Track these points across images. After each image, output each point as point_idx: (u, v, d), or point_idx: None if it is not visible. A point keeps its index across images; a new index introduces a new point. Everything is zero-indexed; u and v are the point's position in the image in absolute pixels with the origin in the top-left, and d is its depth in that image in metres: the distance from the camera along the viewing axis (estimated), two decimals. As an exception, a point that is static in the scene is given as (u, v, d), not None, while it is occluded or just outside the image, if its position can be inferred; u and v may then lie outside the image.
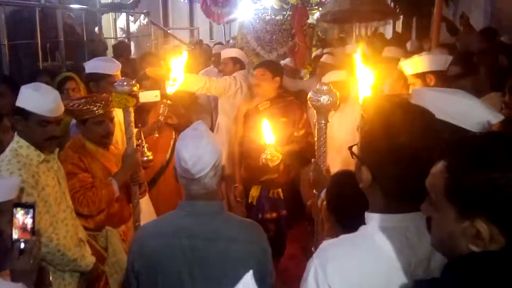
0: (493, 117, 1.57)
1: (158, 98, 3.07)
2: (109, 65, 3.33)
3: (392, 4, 9.39)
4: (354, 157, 1.26)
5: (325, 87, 2.18)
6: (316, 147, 2.25)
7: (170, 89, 3.15)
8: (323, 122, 2.21)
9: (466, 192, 0.93)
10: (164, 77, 3.38)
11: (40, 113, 2.18)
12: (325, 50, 5.94)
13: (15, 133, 2.26)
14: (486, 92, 3.51)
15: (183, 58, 3.16)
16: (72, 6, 5.86)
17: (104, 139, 2.71)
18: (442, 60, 3.03)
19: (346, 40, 8.21)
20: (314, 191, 2.23)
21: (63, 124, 2.45)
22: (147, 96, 3.19)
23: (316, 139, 2.25)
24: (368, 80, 2.32)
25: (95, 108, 2.61)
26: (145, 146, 3.10)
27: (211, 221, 1.72)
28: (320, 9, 7.43)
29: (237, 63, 4.58)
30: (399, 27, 9.80)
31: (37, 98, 2.18)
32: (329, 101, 2.14)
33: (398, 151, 1.12)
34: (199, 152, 1.67)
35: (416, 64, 3.02)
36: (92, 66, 3.33)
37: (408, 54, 4.24)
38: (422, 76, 2.98)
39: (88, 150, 2.69)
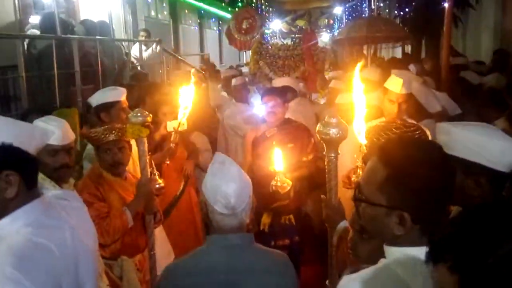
0: None
1: (185, 127, 3.13)
2: (115, 92, 3.40)
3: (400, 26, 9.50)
4: (368, 206, 1.22)
5: (334, 120, 2.07)
6: (326, 181, 2.14)
7: (182, 117, 3.17)
8: (333, 155, 2.10)
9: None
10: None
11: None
12: (331, 74, 5.98)
13: None
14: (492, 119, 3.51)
15: (191, 86, 3.19)
16: (87, 37, 5.99)
17: (113, 167, 2.76)
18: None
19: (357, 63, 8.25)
20: (327, 225, 2.17)
21: (74, 153, 2.49)
22: (174, 124, 3.24)
23: (326, 172, 2.14)
24: (363, 108, 2.24)
25: (103, 136, 2.67)
26: (156, 174, 3.12)
27: (244, 254, 1.72)
28: (328, 31, 7.58)
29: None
30: (408, 48, 9.86)
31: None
32: (338, 134, 2.04)
33: (433, 186, 1.12)
34: (240, 186, 1.69)
35: (409, 84, 3.10)
36: (99, 97, 3.36)
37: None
38: (411, 96, 3.10)
39: (106, 179, 2.74)
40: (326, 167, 2.15)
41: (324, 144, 2.13)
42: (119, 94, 3.36)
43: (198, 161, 4.08)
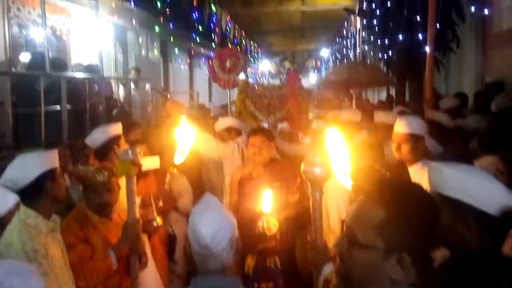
0: None
1: (157, 165, 3.09)
2: (117, 126, 3.41)
3: (384, 68, 9.72)
4: (361, 250, 1.17)
5: (317, 158, 2.05)
6: (311, 221, 2.10)
7: (178, 159, 3.11)
8: (317, 195, 2.06)
9: None
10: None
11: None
12: (313, 113, 5.99)
13: (21, 204, 2.25)
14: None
15: (187, 126, 3.18)
16: (76, 75, 6.03)
17: (100, 208, 2.70)
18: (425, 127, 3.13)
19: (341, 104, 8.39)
20: (313, 269, 2.12)
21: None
22: (148, 163, 3.20)
23: (311, 212, 2.10)
24: (345, 155, 2.23)
25: (92, 176, 2.62)
26: (155, 212, 3.04)
27: None
28: (316, 72, 7.70)
29: (232, 131, 4.63)
30: (393, 91, 10.05)
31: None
32: (323, 173, 2.02)
33: (427, 223, 1.13)
34: (217, 227, 1.65)
35: (413, 125, 3.05)
36: (103, 134, 3.32)
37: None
38: (414, 137, 3.02)
39: (91, 219, 2.67)
40: (311, 207, 2.11)
41: (308, 184, 2.09)
42: (120, 127, 3.40)
43: (176, 205, 3.98)
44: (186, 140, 3.09)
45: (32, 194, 2.20)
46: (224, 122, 4.84)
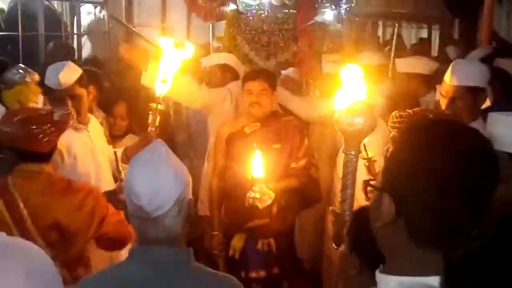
0: None
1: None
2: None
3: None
4: (369, 190, 1.26)
5: (359, 105, 2.09)
6: (341, 188, 2.16)
7: (161, 90, 3.15)
8: (353, 153, 2.12)
9: None
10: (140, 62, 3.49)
11: None
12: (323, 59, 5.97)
13: None
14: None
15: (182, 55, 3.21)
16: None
17: None
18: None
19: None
20: (334, 246, 2.19)
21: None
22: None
23: (341, 176, 2.16)
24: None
25: None
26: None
27: (171, 274, 1.70)
28: (333, 6, 7.56)
29: (227, 72, 4.61)
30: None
31: None
32: (365, 125, 2.07)
33: (436, 175, 1.09)
34: (158, 184, 1.66)
35: (473, 75, 3.08)
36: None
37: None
38: (474, 91, 3.04)
39: None
40: (342, 169, 2.18)
41: (343, 139, 2.16)
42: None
43: None
44: (168, 66, 3.11)
45: None
46: (218, 57, 4.82)
